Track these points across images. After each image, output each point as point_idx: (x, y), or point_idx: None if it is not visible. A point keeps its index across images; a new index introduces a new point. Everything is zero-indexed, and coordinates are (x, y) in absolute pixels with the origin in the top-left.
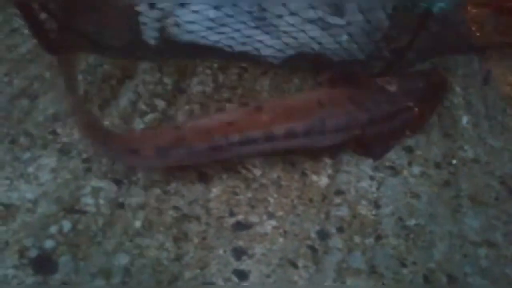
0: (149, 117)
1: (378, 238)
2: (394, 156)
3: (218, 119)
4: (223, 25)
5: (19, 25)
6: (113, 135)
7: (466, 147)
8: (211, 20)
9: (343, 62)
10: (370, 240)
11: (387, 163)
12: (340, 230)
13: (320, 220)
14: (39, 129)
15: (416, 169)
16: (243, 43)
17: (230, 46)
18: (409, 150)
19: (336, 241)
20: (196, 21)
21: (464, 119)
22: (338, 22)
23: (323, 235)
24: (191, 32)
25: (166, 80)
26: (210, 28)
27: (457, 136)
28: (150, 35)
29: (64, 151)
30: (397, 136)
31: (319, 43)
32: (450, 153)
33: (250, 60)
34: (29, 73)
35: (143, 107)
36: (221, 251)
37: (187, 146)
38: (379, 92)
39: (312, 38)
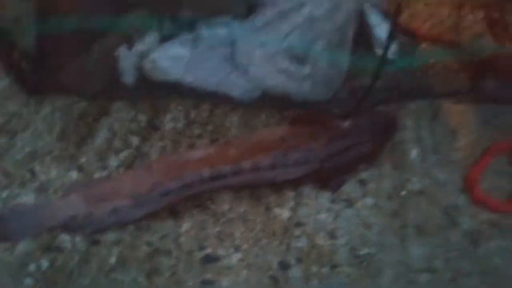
0: (124, 154)
1: (334, 267)
2: (350, 189)
3: (189, 156)
4: (197, 66)
5: None
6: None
7: (414, 179)
8: (187, 61)
9: (305, 103)
10: (326, 269)
11: (343, 196)
12: (299, 260)
13: (281, 252)
14: (17, 167)
15: (369, 201)
16: (216, 84)
17: (203, 87)
18: (363, 183)
19: (296, 271)
20: (172, 63)
21: (413, 153)
22: (302, 70)
23: (284, 266)
24: (167, 72)
25: (140, 117)
26: (185, 70)
27: (406, 169)
28: (127, 76)
29: (42, 190)
30: (352, 169)
31: (284, 86)
32: (399, 185)
33: (221, 99)
34: (7, 110)
35: (118, 144)
36: (190, 284)
37: (160, 190)
38: (335, 130)
39: (277, 82)
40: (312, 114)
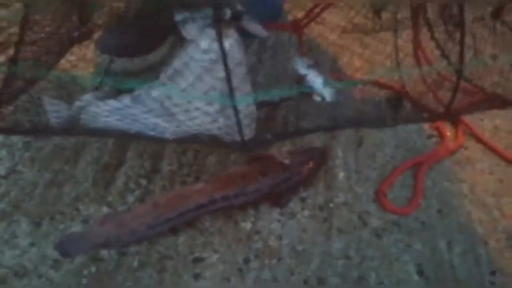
0: (137, 193)
1: (279, 259)
2: (293, 205)
3: (181, 193)
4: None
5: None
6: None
7: (340, 194)
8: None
9: (233, 142)
10: (274, 261)
11: (288, 210)
12: (257, 256)
13: (245, 251)
14: (67, 208)
15: (306, 213)
16: (151, 129)
17: (139, 131)
18: (303, 199)
19: (254, 264)
20: (109, 113)
21: (341, 175)
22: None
23: (246, 260)
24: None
25: (146, 164)
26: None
27: (335, 187)
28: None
29: (85, 221)
30: (294, 191)
31: (208, 130)
32: (329, 199)
33: (151, 139)
34: (54, 168)
35: (132, 185)
36: (186, 277)
37: (164, 218)
38: (279, 165)
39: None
40: (262, 155)
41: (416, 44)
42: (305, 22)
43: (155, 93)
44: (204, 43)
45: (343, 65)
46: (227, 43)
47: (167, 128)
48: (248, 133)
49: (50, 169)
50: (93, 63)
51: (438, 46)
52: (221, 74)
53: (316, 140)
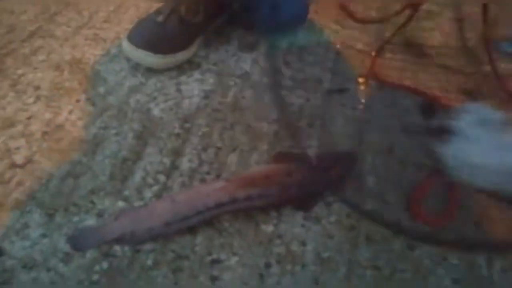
0: (154, 188)
1: (303, 266)
2: (318, 209)
3: (200, 190)
4: None
5: (61, 121)
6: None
7: (369, 201)
8: None
9: None
10: (297, 268)
11: (313, 215)
12: (278, 262)
13: (266, 256)
14: (82, 200)
15: (332, 218)
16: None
17: None
18: (329, 204)
19: (276, 269)
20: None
21: (369, 180)
22: None
23: (267, 265)
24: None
25: (165, 160)
26: None
27: (363, 193)
28: None
29: (100, 215)
30: (320, 195)
31: None
32: (357, 206)
33: None
34: (72, 160)
35: (150, 181)
36: (202, 278)
37: (182, 216)
38: (305, 166)
39: None
40: (288, 155)
41: None
42: None
43: None
44: None
45: None
46: None
47: None
48: None
49: (67, 161)
50: None
51: None
52: None
53: (342, 143)
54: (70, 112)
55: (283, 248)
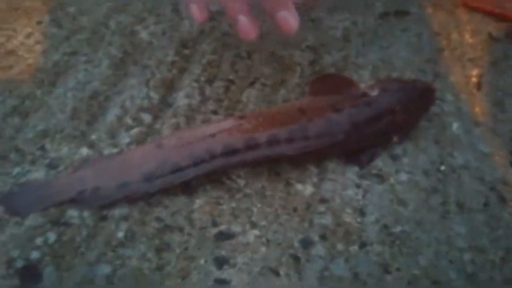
0: (135, 131)
1: (363, 245)
2: (381, 164)
3: (201, 132)
4: None
5: (14, 46)
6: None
7: (455, 153)
8: None
9: None
10: (354, 248)
11: (374, 171)
12: (323, 238)
13: (303, 229)
14: (28, 145)
15: (403, 176)
16: None
17: None
18: (396, 158)
19: (319, 249)
20: None
21: (454, 126)
22: None
23: (306, 243)
24: None
25: (153, 94)
26: None
27: (446, 143)
28: None
29: (52, 166)
30: (382, 142)
31: None
32: (438, 159)
33: None
34: (21, 92)
35: (129, 121)
36: (202, 261)
37: (172, 166)
38: (361, 97)
39: None
40: (333, 78)
41: None
42: None
43: None
44: None
45: None
46: None
47: None
48: None
49: (15, 93)
50: None
51: None
52: None
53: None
54: (28, 35)
55: (330, 218)
